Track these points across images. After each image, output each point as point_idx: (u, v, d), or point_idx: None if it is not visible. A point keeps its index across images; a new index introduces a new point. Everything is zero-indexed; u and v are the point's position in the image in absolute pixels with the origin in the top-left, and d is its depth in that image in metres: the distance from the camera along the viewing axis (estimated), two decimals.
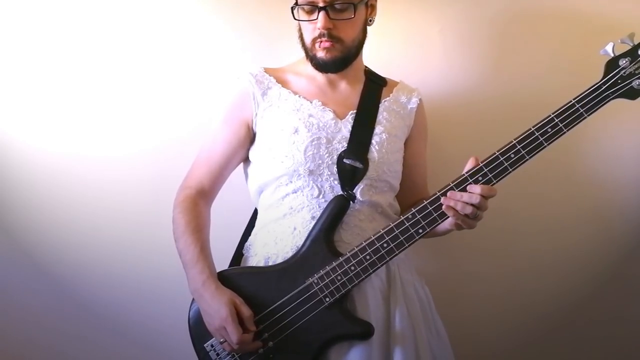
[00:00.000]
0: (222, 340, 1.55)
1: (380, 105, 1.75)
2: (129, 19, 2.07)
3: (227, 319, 1.52)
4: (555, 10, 2.08)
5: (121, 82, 2.08)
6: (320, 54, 1.66)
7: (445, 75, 2.11)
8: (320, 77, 1.75)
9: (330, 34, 1.64)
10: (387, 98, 1.78)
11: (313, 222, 1.62)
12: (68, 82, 2.06)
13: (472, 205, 1.50)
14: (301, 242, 1.62)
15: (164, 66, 2.08)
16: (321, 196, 1.64)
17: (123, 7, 2.06)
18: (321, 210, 1.62)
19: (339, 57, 1.67)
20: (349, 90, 1.76)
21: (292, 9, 1.66)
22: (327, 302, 1.56)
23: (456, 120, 2.10)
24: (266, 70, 1.76)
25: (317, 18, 1.62)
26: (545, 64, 2.09)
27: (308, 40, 1.67)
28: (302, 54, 1.74)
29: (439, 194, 1.54)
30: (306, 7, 1.64)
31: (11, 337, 2.07)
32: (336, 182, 1.64)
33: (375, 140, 1.68)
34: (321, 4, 1.61)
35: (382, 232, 1.56)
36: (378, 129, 1.70)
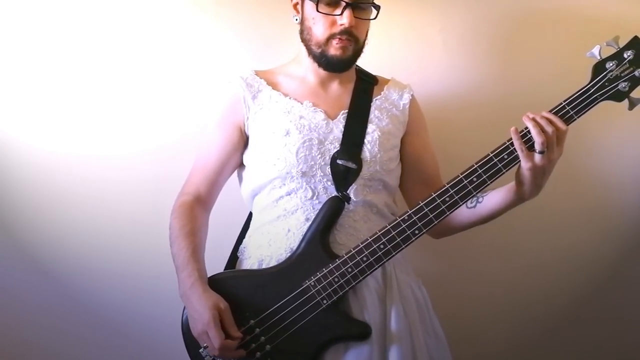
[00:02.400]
0: (204, 345, 1.53)
1: (372, 103, 1.73)
2: (129, 21, 2.07)
3: (210, 323, 1.50)
4: (556, 11, 2.08)
5: (121, 83, 2.08)
6: (335, 51, 1.64)
7: (445, 76, 2.10)
8: (311, 77, 1.74)
9: (350, 33, 1.62)
10: (379, 96, 1.76)
11: (307, 224, 1.61)
12: (68, 82, 2.06)
13: (544, 132, 1.47)
14: (295, 244, 1.61)
15: (165, 67, 2.09)
16: (315, 198, 1.63)
17: (124, 11, 2.06)
18: (315, 212, 1.62)
19: (350, 57, 1.66)
20: (340, 89, 1.75)
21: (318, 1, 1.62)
22: (324, 304, 1.55)
23: (456, 120, 2.09)
24: (257, 73, 1.76)
25: (340, 13, 1.61)
26: (547, 64, 2.08)
27: (322, 36, 1.64)
28: (295, 55, 1.74)
29: (434, 195, 1.54)
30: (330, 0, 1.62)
31: (11, 337, 2.08)
32: (330, 183, 1.63)
33: (367, 139, 1.67)
34: (349, 0, 1.60)
35: (379, 233, 1.55)
36: (370, 128, 1.68)
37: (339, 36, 1.62)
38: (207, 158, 1.74)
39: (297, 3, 1.69)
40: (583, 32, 2.05)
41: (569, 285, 2.13)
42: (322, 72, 1.72)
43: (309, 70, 1.74)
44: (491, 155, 1.53)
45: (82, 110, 2.07)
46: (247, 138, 1.73)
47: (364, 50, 1.71)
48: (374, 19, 1.66)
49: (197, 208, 1.71)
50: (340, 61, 1.65)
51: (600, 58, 1.52)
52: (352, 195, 1.63)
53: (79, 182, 2.07)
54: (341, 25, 1.61)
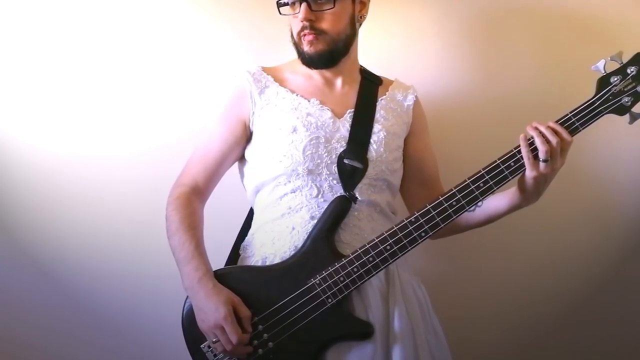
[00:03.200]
0: (215, 340, 1.53)
1: (377, 103, 1.75)
2: (129, 20, 2.07)
3: (227, 318, 1.50)
4: (556, 12, 2.09)
5: (121, 83, 2.08)
6: (306, 47, 1.67)
7: (444, 76, 2.11)
8: (317, 75, 1.75)
9: (312, 26, 1.64)
10: (384, 96, 1.78)
11: (312, 222, 1.62)
12: (68, 82, 2.06)
13: (549, 143, 1.51)
14: (300, 242, 1.61)
15: (164, 66, 2.09)
16: (320, 196, 1.64)
17: (123, 10, 2.06)
18: (320, 210, 1.62)
19: (325, 51, 1.67)
20: (346, 89, 1.75)
21: (278, 5, 1.67)
22: (329, 303, 1.55)
23: (455, 121, 2.10)
24: (264, 69, 1.76)
25: (298, 11, 1.64)
26: (546, 65, 2.10)
27: (295, 36, 1.68)
28: None
29: (441, 199, 1.56)
30: (289, 0, 1.66)
31: (11, 337, 2.07)
32: (335, 182, 1.64)
33: (373, 139, 1.68)
34: None
35: (386, 234, 1.56)
36: (376, 128, 1.70)
37: (301, 32, 1.66)
38: (208, 149, 1.73)
39: (280, 5, 1.72)
40: (582, 32, 2.07)
41: (569, 286, 2.14)
42: (324, 71, 1.73)
43: (312, 70, 1.75)
44: (498, 162, 1.56)
45: (82, 110, 2.07)
46: (251, 133, 1.73)
47: (352, 43, 1.72)
48: (333, 8, 1.64)
49: (194, 200, 1.70)
50: (311, 56, 1.67)
51: (605, 72, 1.55)
52: (357, 195, 1.64)
53: (79, 182, 2.07)
54: (300, 21, 1.65)
